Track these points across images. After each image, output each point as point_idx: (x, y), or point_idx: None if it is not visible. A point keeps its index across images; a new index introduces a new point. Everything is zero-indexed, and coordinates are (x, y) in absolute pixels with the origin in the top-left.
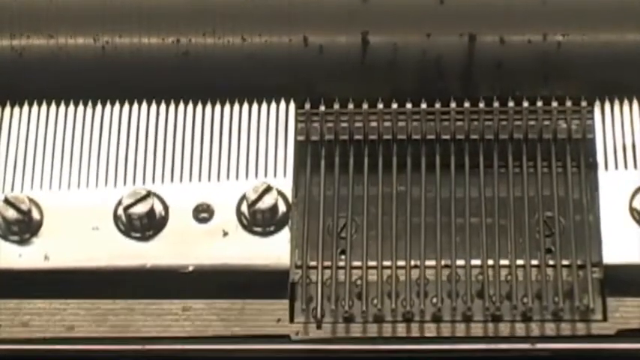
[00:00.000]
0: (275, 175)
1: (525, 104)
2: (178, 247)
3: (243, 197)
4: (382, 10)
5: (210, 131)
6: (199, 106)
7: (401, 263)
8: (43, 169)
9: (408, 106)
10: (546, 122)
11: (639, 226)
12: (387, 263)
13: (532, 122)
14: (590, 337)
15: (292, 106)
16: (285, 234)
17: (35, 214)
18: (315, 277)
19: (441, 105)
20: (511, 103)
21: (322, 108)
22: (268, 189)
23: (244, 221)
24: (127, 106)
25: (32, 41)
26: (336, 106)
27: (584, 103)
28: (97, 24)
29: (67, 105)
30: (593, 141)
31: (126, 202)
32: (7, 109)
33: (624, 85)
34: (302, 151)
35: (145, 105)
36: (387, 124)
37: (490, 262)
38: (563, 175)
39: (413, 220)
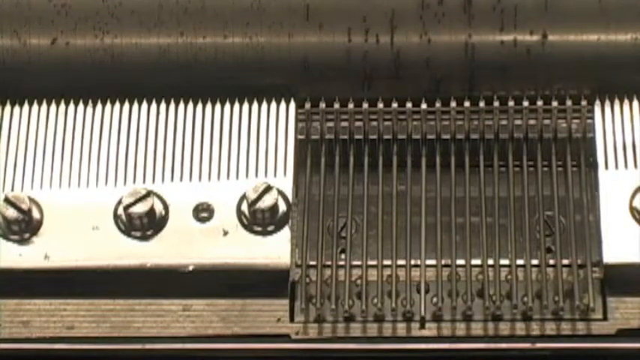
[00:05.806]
0: (275, 174)
1: (525, 104)
2: (178, 246)
3: (244, 197)
4: (383, 8)
5: (210, 131)
6: (199, 106)
7: (401, 262)
8: (43, 168)
9: (408, 105)
10: (546, 121)
11: (639, 225)
12: (387, 262)
13: (532, 121)
14: (590, 337)
15: (292, 105)
16: (285, 233)
17: (35, 214)
18: (315, 276)
19: (441, 105)
20: (511, 103)
21: (322, 107)
22: (268, 188)
23: (244, 221)
24: (127, 105)
25: (32, 40)
26: (337, 105)
27: (584, 103)
28: (97, 23)
29: (67, 104)
30: (593, 140)
31: (126, 201)
32: (8, 107)
33: (624, 85)
34: (302, 150)
35: (145, 105)
36: (388, 123)
37: (490, 261)
38: (564, 175)
39: (413, 220)
